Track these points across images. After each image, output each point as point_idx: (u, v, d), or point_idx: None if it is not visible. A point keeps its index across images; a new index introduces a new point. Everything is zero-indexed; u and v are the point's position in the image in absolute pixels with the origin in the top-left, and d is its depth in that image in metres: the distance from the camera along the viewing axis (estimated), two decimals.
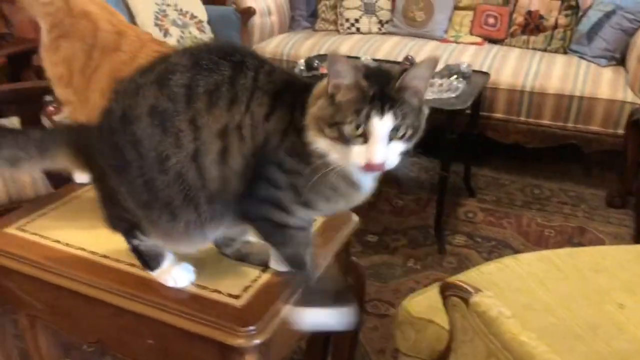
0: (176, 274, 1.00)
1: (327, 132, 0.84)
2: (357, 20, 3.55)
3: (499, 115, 2.97)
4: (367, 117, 0.81)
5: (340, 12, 3.57)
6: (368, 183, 0.92)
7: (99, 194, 1.00)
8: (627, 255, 1.44)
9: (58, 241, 1.13)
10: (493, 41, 3.39)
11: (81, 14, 1.25)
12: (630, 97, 2.76)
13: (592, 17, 3.11)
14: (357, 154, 0.83)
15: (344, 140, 0.83)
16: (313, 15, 3.73)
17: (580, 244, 2.48)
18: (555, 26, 3.24)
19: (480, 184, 2.99)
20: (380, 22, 3.57)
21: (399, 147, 0.85)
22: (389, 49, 3.27)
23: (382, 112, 0.81)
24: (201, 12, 3.28)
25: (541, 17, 3.27)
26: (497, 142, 3.05)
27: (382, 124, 0.81)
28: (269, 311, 0.95)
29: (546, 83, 2.87)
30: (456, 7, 3.49)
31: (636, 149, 2.68)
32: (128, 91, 0.93)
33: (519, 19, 3.33)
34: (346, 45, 3.33)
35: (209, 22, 3.27)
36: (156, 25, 3.06)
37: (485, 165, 3.15)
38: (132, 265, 1.05)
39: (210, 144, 0.88)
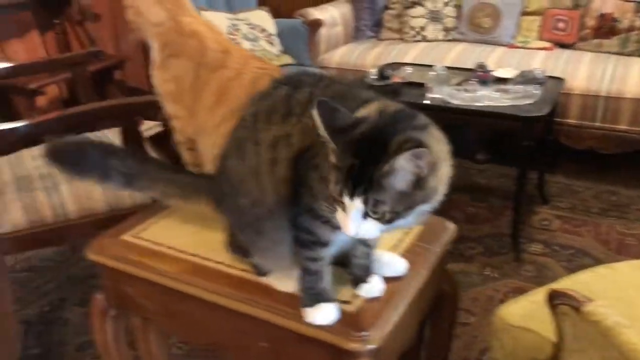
0: (285, 278, 1.04)
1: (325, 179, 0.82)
2: (422, 28, 3.56)
3: (572, 121, 2.92)
4: (340, 193, 0.78)
5: (405, 20, 3.59)
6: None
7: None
8: None
9: (173, 247, 1.19)
10: (563, 46, 3.33)
11: (190, 34, 1.33)
12: None
13: None
14: (340, 218, 0.81)
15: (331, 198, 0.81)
16: (377, 25, 3.76)
17: None
18: (631, 29, 3.16)
19: (553, 191, 2.94)
20: (445, 29, 3.57)
21: (377, 224, 0.79)
22: (456, 55, 3.27)
23: (351, 194, 0.77)
24: (270, 26, 3.37)
25: (614, 19, 3.20)
26: (569, 148, 2.99)
27: (351, 204, 0.78)
28: (382, 317, 0.98)
29: (623, 87, 2.81)
30: (523, 13, 3.45)
31: None
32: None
33: (591, 22, 3.27)
34: (412, 53, 3.35)
35: (278, 35, 3.36)
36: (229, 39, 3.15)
37: (558, 172, 3.10)
38: (246, 271, 1.10)
39: (264, 155, 0.94)
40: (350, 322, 0.97)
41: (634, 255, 2.40)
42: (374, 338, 0.95)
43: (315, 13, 3.56)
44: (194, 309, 1.12)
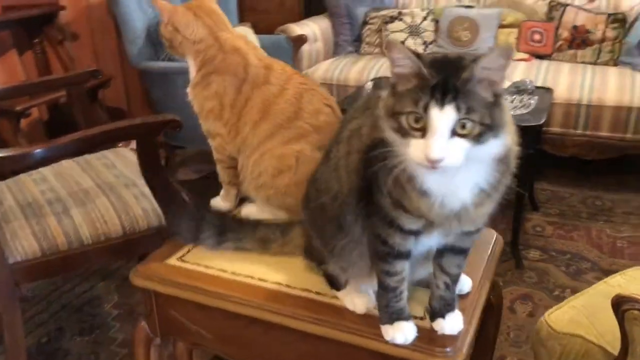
0: (356, 299, 1.03)
1: (389, 122, 0.79)
2: (402, 43, 3.60)
3: (556, 129, 3.01)
4: (425, 109, 0.75)
5: (385, 35, 3.63)
6: (438, 189, 0.82)
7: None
8: None
9: (224, 270, 1.16)
10: (540, 57, 3.44)
11: (232, 50, 1.30)
12: None
13: None
14: (415, 148, 0.76)
15: (403, 132, 0.77)
16: (357, 40, 3.79)
17: None
18: (603, 39, 3.29)
19: (541, 197, 3.01)
20: (425, 43, 3.63)
21: (464, 144, 0.75)
22: None
23: (442, 104, 0.74)
24: (254, 42, 3.34)
25: (587, 31, 3.32)
26: (552, 156, 3.08)
27: (441, 117, 0.74)
28: (461, 332, 0.97)
29: (603, 95, 2.91)
30: (501, 25, 3.55)
31: None
32: None
33: (565, 34, 3.39)
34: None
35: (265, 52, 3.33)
36: None
37: (542, 179, 3.18)
38: (307, 290, 1.08)
39: (342, 150, 0.97)
40: (429, 338, 0.97)
41: (627, 257, 2.48)
42: (457, 354, 0.94)
43: (297, 29, 3.57)
44: (257, 332, 1.09)
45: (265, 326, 1.07)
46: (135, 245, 1.72)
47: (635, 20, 3.27)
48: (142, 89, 3.53)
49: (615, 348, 1.22)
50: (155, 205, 1.74)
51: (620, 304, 1.04)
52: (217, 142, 1.33)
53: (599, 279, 2.33)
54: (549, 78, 3.08)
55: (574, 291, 2.27)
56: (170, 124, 1.60)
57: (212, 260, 1.19)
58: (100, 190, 1.80)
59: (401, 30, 3.61)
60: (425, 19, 3.63)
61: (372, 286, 1.01)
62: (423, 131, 0.76)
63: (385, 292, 0.96)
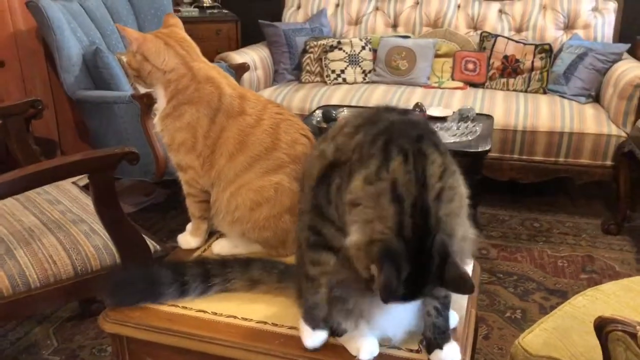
0: (361, 345, 0.99)
1: None
2: (342, 71, 3.66)
3: (494, 154, 3.12)
4: None
5: (325, 64, 3.67)
6: None
7: None
8: None
9: (203, 311, 1.09)
10: (474, 85, 3.57)
11: (205, 79, 1.26)
12: (614, 130, 2.97)
13: (566, 59, 3.36)
14: None
15: None
16: (297, 68, 3.81)
17: (594, 272, 2.61)
18: (532, 69, 3.46)
19: (482, 221, 3.10)
20: (364, 72, 3.69)
21: None
22: (380, 96, 3.39)
23: None
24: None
25: (517, 60, 3.49)
26: (489, 180, 3.19)
27: None
28: None
29: (537, 122, 3.05)
30: (436, 55, 3.67)
31: (627, 179, 2.88)
32: None
33: (497, 63, 3.55)
34: (337, 95, 3.42)
35: None
36: None
37: (482, 203, 3.27)
38: (295, 328, 1.04)
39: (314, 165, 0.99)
40: None
41: (569, 277, 2.59)
42: None
43: (237, 57, 3.54)
44: None
45: None
46: (89, 287, 1.61)
47: (560, 50, 3.47)
48: (75, 120, 3.36)
49: None
50: (109, 242, 1.64)
51: (603, 326, 1.06)
52: (189, 176, 1.27)
53: (545, 298, 2.43)
54: (485, 105, 3.19)
55: (525, 312, 2.34)
56: (128, 156, 1.52)
57: (190, 301, 1.12)
58: (46, 228, 1.67)
59: (341, 60, 3.66)
60: (363, 48, 3.70)
61: (375, 329, 0.98)
62: None
63: (307, 283, 0.97)
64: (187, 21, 1.51)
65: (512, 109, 3.15)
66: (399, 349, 0.99)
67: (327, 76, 3.66)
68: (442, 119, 2.68)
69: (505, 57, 3.52)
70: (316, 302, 0.97)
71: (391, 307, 0.90)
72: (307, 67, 3.76)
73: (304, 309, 1.00)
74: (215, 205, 1.27)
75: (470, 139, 2.40)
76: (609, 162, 3.00)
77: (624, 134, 2.95)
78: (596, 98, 3.29)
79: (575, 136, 3.00)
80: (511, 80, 3.51)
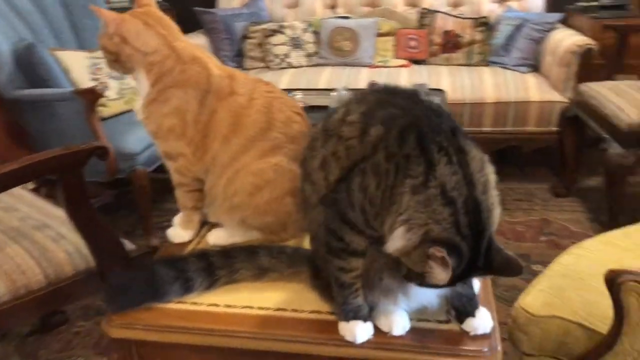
0: (393, 321, 0.96)
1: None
2: (286, 55, 3.60)
3: None
4: None
5: (268, 49, 3.60)
6: None
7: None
8: None
9: (215, 304, 1.04)
10: (417, 62, 3.61)
11: (191, 60, 1.17)
12: (557, 97, 3.08)
13: (504, 31, 3.45)
14: None
15: None
16: (239, 55, 3.71)
17: (552, 234, 2.71)
18: (472, 42, 3.53)
19: None
20: (308, 55, 3.65)
21: None
22: (327, 78, 3.36)
23: None
24: None
25: (457, 35, 3.55)
26: None
27: None
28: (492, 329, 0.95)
29: (484, 94, 3.12)
30: (378, 34, 3.67)
31: (572, 143, 3.00)
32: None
33: (438, 39, 3.59)
34: (284, 79, 3.37)
35: None
36: (93, 79, 2.87)
37: None
38: (316, 312, 1.01)
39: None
40: (460, 341, 0.94)
41: (530, 241, 2.67)
42: (493, 352, 0.93)
43: None
44: None
45: (275, 358, 0.97)
46: (64, 294, 1.50)
47: (497, 23, 3.56)
48: (6, 122, 3.13)
49: (591, 322, 1.28)
50: (80, 246, 1.53)
51: (615, 278, 1.08)
52: (180, 164, 1.19)
53: None
54: (432, 81, 3.23)
55: (494, 278, 2.40)
56: (97, 151, 1.42)
57: (197, 297, 1.06)
58: (8, 238, 1.54)
59: (283, 44, 3.60)
60: (305, 31, 3.65)
61: (401, 304, 0.96)
62: None
63: (341, 290, 0.93)
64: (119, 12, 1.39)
65: (458, 82, 3.21)
66: (428, 321, 0.98)
67: (270, 61, 3.59)
68: None
69: (446, 32, 3.57)
70: (359, 304, 0.95)
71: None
72: (250, 53, 3.67)
73: (343, 311, 0.95)
74: (211, 192, 1.20)
75: None
76: (553, 128, 3.10)
77: (566, 100, 3.06)
78: (535, 67, 3.39)
79: (521, 105, 3.09)
80: (453, 55, 3.57)
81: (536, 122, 3.12)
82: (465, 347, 0.92)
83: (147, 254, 1.62)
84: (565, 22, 3.50)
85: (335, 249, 0.91)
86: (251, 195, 1.15)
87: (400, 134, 0.83)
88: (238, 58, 3.72)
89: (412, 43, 3.63)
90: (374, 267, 0.91)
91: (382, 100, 0.91)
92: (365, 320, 0.95)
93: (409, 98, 0.91)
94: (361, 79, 3.30)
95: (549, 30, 3.34)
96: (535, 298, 1.38)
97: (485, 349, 0.92)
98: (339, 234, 0.89)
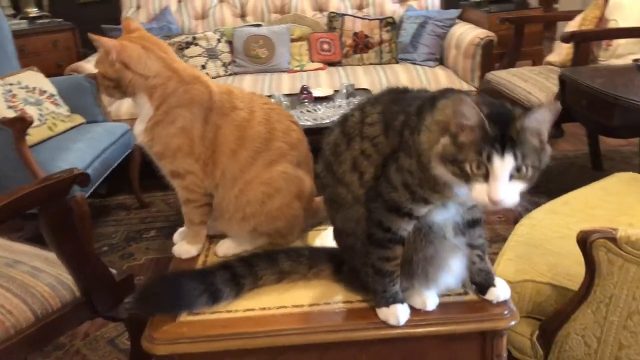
0: (426, 299, 1.06)
1: (450, 168, 0.87)
2: (203, 67, 3.60)
3: None
4: (489, 158, 0.84)
5: (185, 61, 3.57)
6: None
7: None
8: (598, 192, 1.86)
9: (250, 309, 1.08)
10: (332, 64, 3.75)
11: (193, 79, 1.20)
12: (465, 86, 3.35)
13: (409, 29, 3.68)
14: (479, 191, 0.86)
15: (465, 177, 0.86)
16: None
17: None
18: (381, 42, 3.73)
19: None
20: (224, 64, 3.67)
21: (519, 186, 0.87)
22: (249, 86, 3.41)
23: (502, 153, 0.84)
24: (49, 86, 3.01)
25: (367, 36, 3.74)
26: None
27: (502, 164, 0.84)
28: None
29: None
30: (292, 40, 3.77)
31: None
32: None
33: (349, 40, 3.76)
34: None
35: (60, 94, 3.02)
36: (9, 107, 2.73)
37: None
38: (348, 301, 1.08)
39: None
40: (483, 308, 1.06)
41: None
42: (512, 314, 1.06)
43: (89, 67, 3.31)
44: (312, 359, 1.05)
45: (319, 350, 1.04)
46: (55, 329, 1.46)
47: (402, 22, 3.78)
48: None
49: (558, 281, 1.46)
50: (62, 277, 1.50)
51: (586, 238, 1.26)
52: (189, 181, 1.21)
53: None
54: (350, 81, 3.38)
55: None
56: (79, 179, 1.41)
57: (227, 305, 1.10)
58: None
59: (199, 55, 3.60)
60: (219, 41, 3.67)
61: (430, 285, 1.07)
62: (485, 176, 0.85)
63: (382, 278, 1.03)
64: (17, 35, 1.39)
65: (375, 81, 3.38)
66: (449, 295, 1.09)
67: None
68: (328, 98, 2.80)
69: (355, 34, 3.75)
70: (396, 291, 1.03)
71: (452, 265, 1.04)
72: None
73: (383, 298, 1.03)
74: (221, 205, 1.23)
75: None
76: None
77: (474, 89, 3.33)
78: (441, 61, 3.65)
79: None
80: (365, 55, 3.75)
81: None
82: (489, 313, 1.04)
83: (130, 277, 1.60)
84: (461, 17, 3.80)
85: (381, 239, 0.99)
86: (263, 204, 1.21)
87: (418, 111, 0.94)
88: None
89: (325, 46, 3.77)
90: (417, 258, 1.01)
91: (394, 98, 1.02)
92: (402, 302, 1.04)
93: (417, 91, 1.03)
94: (282, 84, 3.38)
95: (450, 26, 3.62)
96: (507, 266, 1.54)
97: (506, 312, 1.05)
98: (385, 224, 0.98)
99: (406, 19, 3.75)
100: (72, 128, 2.93)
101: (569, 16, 3.13)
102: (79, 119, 3.02)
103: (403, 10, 3.91)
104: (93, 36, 1.18)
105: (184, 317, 1.07)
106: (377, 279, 1.02)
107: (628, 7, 2.76)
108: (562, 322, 1.39)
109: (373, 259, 1.02)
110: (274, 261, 1.14)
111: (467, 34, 3.41)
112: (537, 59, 3.71)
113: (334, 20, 3.81)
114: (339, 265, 1.14)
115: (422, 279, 1.03)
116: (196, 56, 3.59)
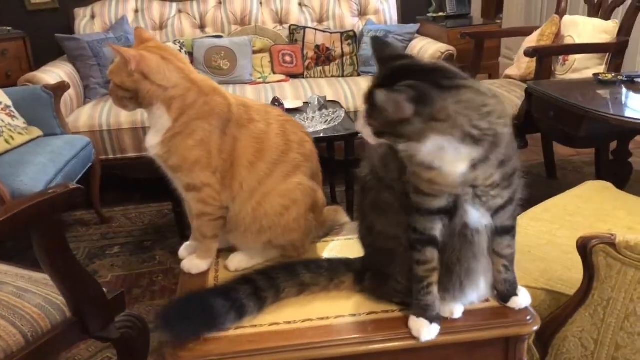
0: (453, 308, 1.08)
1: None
2: None
3: None
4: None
5: None
6: (435, 162, 0.95)
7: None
8: (574, 200, 1.94)
9: (275, 322, 1.07)
10: (294, 76, 3.76)
11: (212, 91, 1.17)
12: None
13: (370, 42, 3.73)
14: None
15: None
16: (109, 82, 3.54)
17: None
18: (342, 54, 3.78)
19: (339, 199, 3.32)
20: None
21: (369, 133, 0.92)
22: None
23: (364, 101, 0.94)
24: (3, 97, 2.87)
25: (328, 49, 3.77)
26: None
27: (363, 109, 0.95)
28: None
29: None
30: (254, 52, 3.75)
31: None
32: None
33: (311, 53, 3.78)
34: None
35: (16, 106, 2.89)
36: None
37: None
38: (373, 312, 1.09)
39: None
40: (506, 315, 1.08)
41: None
42: (534, 319, 1.09)
43: (45, 77, 3.18)
44: None
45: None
46: (45, 352, 1.38)
47: (362, 35, 3.84)
48: None
49: (552, 286, 1.51)
50: (50, 297, 1.43)
51: (586, 244, 1.31)
52: (206, 194, 1.18)
53: None
54: (316, 93, 3.39)
55: None
56: (74, 193, 1.35)
57: (251, 320, 1.08)
58: None
59: None
60: (179, 52, 3.61)
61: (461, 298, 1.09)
62: None
63: (415, 283, 1.04)
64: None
65: (340, 93, 3.40)
66: (473, 303, 1.11)
67: None
68: (298, 110, 2.80)
69: (317, 46, 3.78)
70: (428, 304, 1.03)
71: (483, 282, 1.08)
72: None
73: (415, 305, 1.04)
74: (237, 218, 1.20)
75: (337, 123, 2.57)
76: None
77: None
78: None
79: None
80: (327, 68, 3.78)
81: None
82: (513, 319, 1.07)
83: (121, 295, 1.54)
84: (419, 32, 3.90)
85: (412, 241, 1.01)
86: (281, 216, 1.19)
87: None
88: (109, 84, 3.55)
89: (287, 58, 3.77)
90: (456, 272, 1.03)
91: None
92: (432, 321, 1.03)
93: None
94: (248, 95, 3.36)
95: (409, 40, 3.70)
96: None
97: (529, 317, 1.07)
98: (413, 225, 0.99)
99: (366, 32, 3.81)
100: (30, 141, 2.80)
101: (526, 32, 3.27)
102: (36, 131, 2.89)
103: (362, 24, 3.97)
104: (112, 45, 1.14)
105: (206, 335, 1.04)
106: (414, 283, 1.03)
107: (582, 24, 2.91)
108: (559, 325, 1.44)
109: (412, 263, 1.03)
110: (294, 273, 1.13)
111: (428, 48, 3.49)
112: (493, 73, 3.85)
113: (296, 32, 3.82)
114: (358, 276, 1.14)
115: (458, 292, 1.05)
116: None
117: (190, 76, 1.18)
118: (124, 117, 3.18)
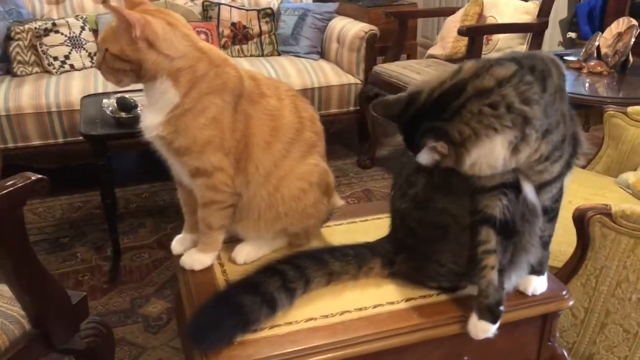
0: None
1: None
2: (67, 57, 3.19)
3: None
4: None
5: (43, 50, 3.13)
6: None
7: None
8: None
9: (312, 318, 0.97)
10: None
11: (223, 62, 1.01)
12: (352, 79, 3.39)
13: (289, 21, 3.63)
14: None
15: None
16: (4, 60, 3.15)
17: (380, 199, 3.02)
18: (260, 33, 3.63)
19: None
20: (89, 55, 3.29)
21: None
22: None
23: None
24: None
25: (245, 27, 3.61)
26: None
27: None
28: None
29: (290, 81, 3.24)
30: None
31: (373, 120, 3.35)
32: None
33: (227, 31, 3.60)
34: (76, 84, 2.99)
35: None
36: None
37: None
38: (411, 299, 1.02)
39: None
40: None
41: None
42: (570, 296, 1.08)
43: None
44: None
45: (393, 354, 0.96)
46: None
47: (279, 13, 3.72)
48: None
49: None
50: (5, 308, 1.22)
51: (583, 215, 1.33)
52: (217, 179, 1.02)
53: None
54: None
55: None
56: (38, 185, 1.14)
57: (284, 316, 0.97)
58: None
59: (61, 44, 3.17)
60: (83, 29, 3.28)
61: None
62: None
63: (473, 265, 0.99)
64: None
65: (263, 72, 3.26)
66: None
67: (49, 64, 3.14)
68: None
69: (233, 24, 3.60)
70: (491, 304, 0.97)
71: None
72: (19, 57, 3.14)
73: (477, 303, 0.98)
74: (250, 205, 1.07)
75: None
76: (352, 108, 3.41)
77: (359, 81, 3.39)
78: (321, 54, 3.65)
79: (324, 90, 3.32)
80: (244, 47, 3.62)
81: (337, 104, 3.39)
82: (551, 296, 1.05)
83: (84, 299, 1.34)
84: (337, 12, 3.84)
85: (472, 223, 0.95)
86: (298, 200, 1.07)
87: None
88: (3, 64, 3.15)
89: (202, 36, 3.55)
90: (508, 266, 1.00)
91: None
92: (494, 322, 0.97)
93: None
94: None
95: (329, 19, 3.64)
96: None
97: (564, 292, 1.07)
98: (472, 205, 0.95)
99: (284, 10, 3.69)
100: None
101: (449, 11, 3.33)
102: None
103: (278, 2, 3.84)
104: (111, 6, 0.95)
105: (240, 337, 0.92)
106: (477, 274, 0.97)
107: (503, 4, 3.02)
108: None
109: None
110: (321, 262, 1.03)
111: (350, 27, 3.45)
112: (412, 53, 3.89)
113: (210, 9, 3.61)
114: (387, 260, 1.07)
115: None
116: (58, 45, 3.16)
117: (198, 44, 1.03)
118: (26, 100, 2.83)
